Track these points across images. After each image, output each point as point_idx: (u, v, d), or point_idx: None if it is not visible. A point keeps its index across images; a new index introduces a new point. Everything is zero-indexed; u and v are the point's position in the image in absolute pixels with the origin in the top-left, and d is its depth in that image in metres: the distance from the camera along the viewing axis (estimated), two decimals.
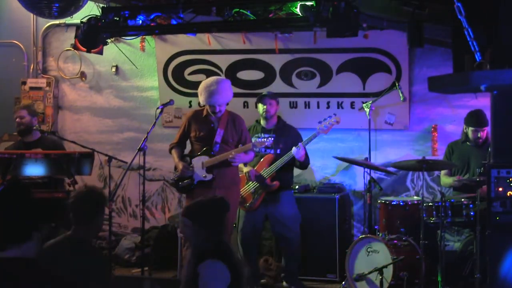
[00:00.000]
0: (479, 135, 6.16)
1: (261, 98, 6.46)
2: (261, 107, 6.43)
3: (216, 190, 5.84)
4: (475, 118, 6.20)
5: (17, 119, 6.48)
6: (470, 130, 6.21)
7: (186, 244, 5.57)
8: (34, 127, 6.48)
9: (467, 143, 6.29)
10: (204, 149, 5.90)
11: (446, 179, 6.38)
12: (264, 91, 6.73)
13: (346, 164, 7.07)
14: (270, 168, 6.24)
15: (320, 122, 6.30)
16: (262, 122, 6.49)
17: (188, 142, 6.11)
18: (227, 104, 5.98)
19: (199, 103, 7.38)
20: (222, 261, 3.61)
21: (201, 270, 3.58)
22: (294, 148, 6.17)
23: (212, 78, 5.98)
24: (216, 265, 3.60)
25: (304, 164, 6.37)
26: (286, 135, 6.39)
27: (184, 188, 5.95)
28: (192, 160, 5.92)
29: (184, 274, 3.73)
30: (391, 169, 6.54)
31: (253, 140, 6.10)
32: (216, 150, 5.87)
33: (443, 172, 6.46)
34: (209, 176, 5.84)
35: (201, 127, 5.94)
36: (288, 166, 6.34)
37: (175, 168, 5.99)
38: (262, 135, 6.35)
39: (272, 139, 5.94)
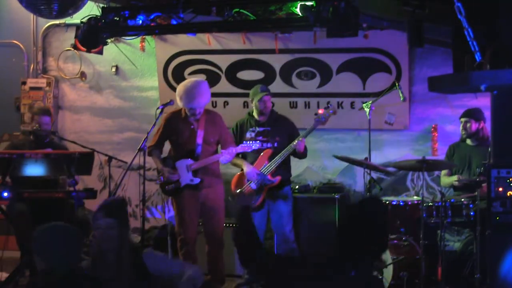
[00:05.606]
0: (466, 125, 6.19)
1: (259, 95, 6.26)
2: (259, 104, 6.26)
3: (203, 190, 5.88)
4: (466, 110, 6.27)
5: (38, 125, 6.40)
6: (461, 122, 6.24)
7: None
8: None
9: (467, 141, 6.29)
10: (187, 151, 5.88)
11: (446, 179, 6.38)
12: None
13: (346, 164, 7.06)
14: (270, 164, 6.18)
15: (316, 114, 6.30)
16: (256, 115, 6.37)
17: (167, 143, 6.08)
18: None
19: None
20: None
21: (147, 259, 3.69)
22: (294, 142, 6.12)
23: (190, 81, 5.90)
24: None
25: (303, 154, 6.32)
26: (281, 126, 6.34)
27: (170, 192, 5.96)
28: (175, 163, 5.90)
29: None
30: (391, 169, 6.54)
31: (247, 134, 6.21)
32: (199, 152, 5.85)
33: (443, 172, 6.47)
34: (196, 180, 5.85)
35: (182, 129, 5.89)
36: (286, 159, 6.27)
37: (158, 172, 5.99)
38: (257, 128, 6.31)
39: (258, 143, 5.95)
